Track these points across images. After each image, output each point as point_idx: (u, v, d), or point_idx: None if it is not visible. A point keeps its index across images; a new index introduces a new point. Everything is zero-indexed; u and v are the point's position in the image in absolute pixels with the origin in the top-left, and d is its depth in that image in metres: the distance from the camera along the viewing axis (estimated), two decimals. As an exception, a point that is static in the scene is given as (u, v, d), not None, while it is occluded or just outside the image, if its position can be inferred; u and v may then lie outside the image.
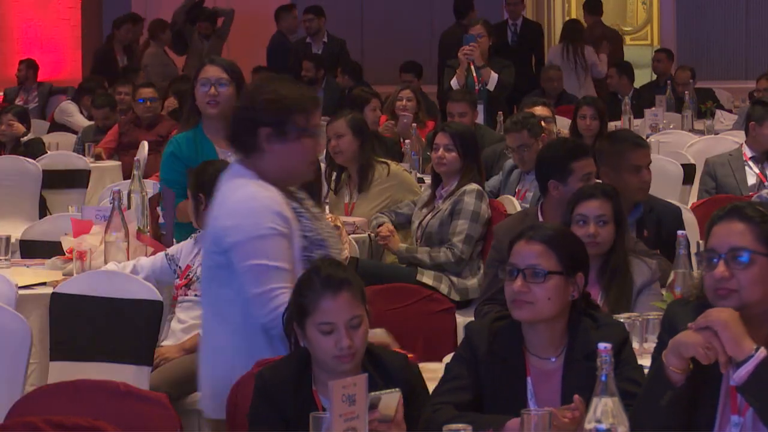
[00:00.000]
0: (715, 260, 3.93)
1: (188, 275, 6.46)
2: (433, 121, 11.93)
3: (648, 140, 10.97)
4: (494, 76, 11.40)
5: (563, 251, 4.37)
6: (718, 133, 12.67)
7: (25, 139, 11.62)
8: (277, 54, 15.86)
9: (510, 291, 4.34)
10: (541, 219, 6.46)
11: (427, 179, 8.79)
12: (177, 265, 6.56)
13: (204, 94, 7.08)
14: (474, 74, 11.39)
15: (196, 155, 6.99)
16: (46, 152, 11.62)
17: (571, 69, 15.67)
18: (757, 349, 3.81)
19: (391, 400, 4.07)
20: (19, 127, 11.70)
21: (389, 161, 8.79)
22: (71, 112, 14.68)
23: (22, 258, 7.43)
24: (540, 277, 4.32)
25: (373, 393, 3.99)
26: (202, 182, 6.32)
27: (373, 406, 3.99)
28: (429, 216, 7.83)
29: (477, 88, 11.24)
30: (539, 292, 4.32)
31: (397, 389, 4.11)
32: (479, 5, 15.73)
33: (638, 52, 19.11)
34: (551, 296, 4.32)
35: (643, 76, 16.64)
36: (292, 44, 16.29)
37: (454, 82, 11.34)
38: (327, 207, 8.46)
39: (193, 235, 6.78)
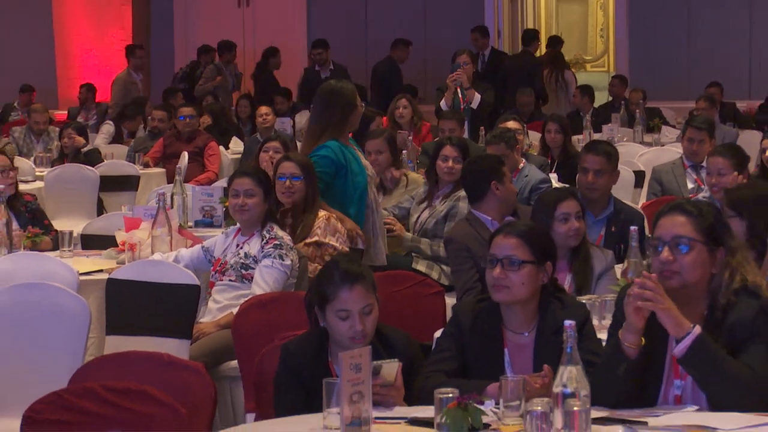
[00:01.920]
0: (660, 247, 3.96)
1: (222, 263, 6.45)
2: (428, 123, 12.03)
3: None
4: (477, 97, 11.44)
5: (535, 244, 4.38)
6: (663, 145, 12.67)
7: (85, 149, 11.62)
8: (386, 75, 15.87)
9: (490, 277, 4.35)
10: (488, 218, 6.47)
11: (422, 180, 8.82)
12: (211, 255, 6.56)
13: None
14: (460, 96, 11.42)
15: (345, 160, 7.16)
16: (103, 161, 11.64)
17: (552, 90, 15.84)
18: (693, 327, 3.84)
19: (391, 368, 4.08)
20: (79, 140, 11.71)
21: (406, 170, 8.97)
22: (102, 130, 14.67)
23: (82, 249, 7.43)
24: (515, 265, 4.33)
25: (375, 362, 4.00)
26: None
27: (376, 373, 3.99)
28: (426, 213, 7.84)
29: (462, 107, 11.27)
30: (515, 277, 4.32)
31: (396, 359, 4.12)
32: (463, 40, 15.76)
33: (597, 77, 19.14)
34: (525, 281, 4.33)
35: (601, 97, 16.65)
36: (312, 72, 16.39)
37: (443, 104, 11.37)
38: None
39: (223, 230, 6.79)
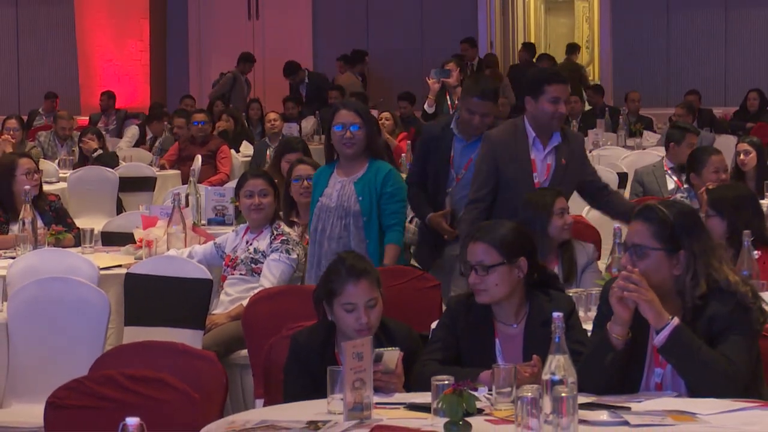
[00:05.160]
0: (626, 251, 4.00)
1: (233, 258, 6.46)
2: (404, 132, 12.62)
3: (590, 153, 11.00)
4: None
5: (502, 245, 4.34)
6: (645, 149, 12.67)
7: (95, 154, 11.63)
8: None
9: (469, 282, 4.37)
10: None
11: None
12: (223, 251, 6.56)
13: (340, 137, 6.16)
14: (449, 102, 11.43)
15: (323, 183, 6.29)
16: (120, 163, 11.66)
17: None
18: (672, 318, 3.84)
19: (392, 356, 4.07)
20: (91, 144, 11.73)
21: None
22: (127, 134, 14.82)
23: (103, 246, 7.42)
24: (485, 270, 4.31)
25: (378, 349, 4.01)
26: None
27: (378, 360, 4.00)
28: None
29: (451, 112, 11.27)
30: (489, 280, 4.32)
31: (398, 348, 4.12)
32: (457, 50, 15.78)
33: (584, 85, 19.17)
34: (498, 282, 4.31)
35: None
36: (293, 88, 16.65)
37: (426, 106, 11.39)
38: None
39: (234, 229, 6.80)
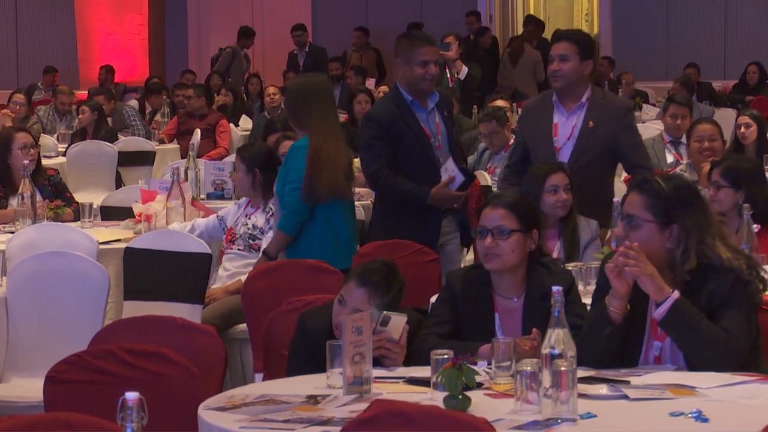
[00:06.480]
0: (621, 221, 4.02)
1: (233, 233, 6.47)
2: None
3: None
4: (464, 69, 11.45)
5: (521, 213, 4.35)
6: (644, 122, 12.64)
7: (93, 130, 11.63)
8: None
9: (482, 247, 4.32)
10: None
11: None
12: (225, 224, 6.58)
13: None
14: (448, 75, 11.42)
15: None
16: (118, 138, 11.65)
17: None
18: (672, 291, 3.84)
19: (398, 322, 4.05)
20: (86, 118, 11.72)
21: None
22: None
23: (102, 220, 7.41)
24: (505, 234, 4.30)
25: (385, 312, 4.00)
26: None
27: (384, 323, 4.00)
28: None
29: (451, 85, 11.27)
30: (505, 246, 4.29)
31: (405, 314, 4.10)
32: (457, 23, 15.73)
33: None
34: (514, 249, 4.30)
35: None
36: (291, 55, 16.49)
37: None
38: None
39: (236, 201, 6.80)
